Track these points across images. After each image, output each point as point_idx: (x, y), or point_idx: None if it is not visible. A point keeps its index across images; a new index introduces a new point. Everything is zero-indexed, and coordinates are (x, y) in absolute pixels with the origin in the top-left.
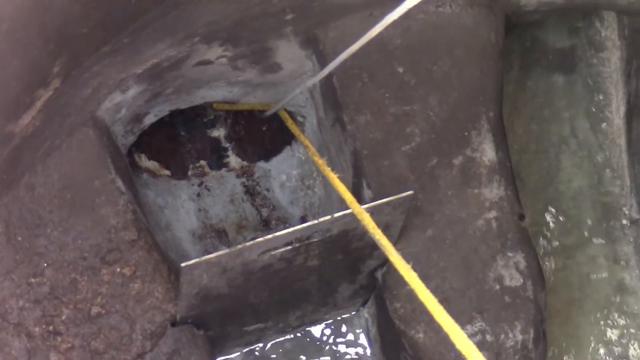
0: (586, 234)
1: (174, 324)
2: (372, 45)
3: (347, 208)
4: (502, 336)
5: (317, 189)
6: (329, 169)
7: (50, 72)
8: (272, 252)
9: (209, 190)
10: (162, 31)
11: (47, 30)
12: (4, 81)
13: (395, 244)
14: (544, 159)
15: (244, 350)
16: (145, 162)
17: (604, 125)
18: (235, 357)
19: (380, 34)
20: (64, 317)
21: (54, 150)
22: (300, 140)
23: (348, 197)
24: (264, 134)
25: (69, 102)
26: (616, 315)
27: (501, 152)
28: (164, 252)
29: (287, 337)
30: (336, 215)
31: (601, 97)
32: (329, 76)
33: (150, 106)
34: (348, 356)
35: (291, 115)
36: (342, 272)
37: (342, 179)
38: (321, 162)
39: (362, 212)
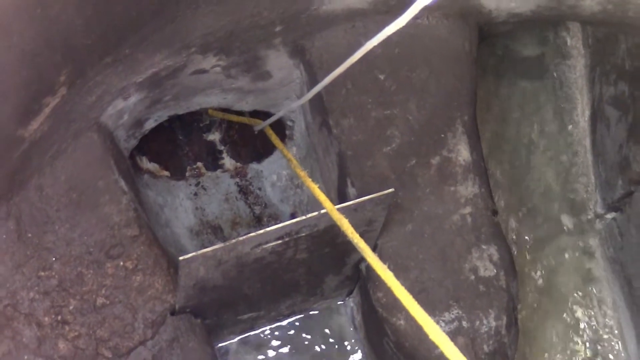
0: (555, 228)
1: (173, 313)
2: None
3: (333, 204)
4: (477, 322)
5: (305, 187)
6: (310, 179)
7: (57, 81)
8: (264, 246)
9: (205, 189)
10: (160, 43)
11: (53, 43)
12: (14, 89)
13: (377, 237)
14: (516, 159)
15: (239, 337)
16: (146, 163)
17: (570, 127)
18: (231, 343)
19: (362, 44)
20: (71, 308)
21: (61, 154)
22: (284, 154)
23: (328, 205)
24: (256, 137)
25: (74, 108)
26: (584, 302)
27: (475, 153)
28: (164, 247)
29: (279, 324)
30: (322, 211)
31: (568, 102)
32: (316, 84)
33: (150, 112)
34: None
35: (281, 120)
36: (329, 264)
37: (327, 178)
38: (303, 173)
39: (341, 218)
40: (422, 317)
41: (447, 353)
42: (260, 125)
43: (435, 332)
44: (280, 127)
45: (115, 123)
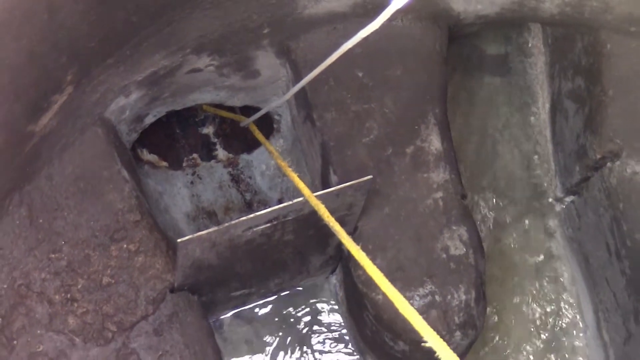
0: (519, 210)
1: (172, 290)
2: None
3: (317, 191)
4: (449, 297)
5: None
6: (290, 169)
7: (64, 80)
8: (254, 229)
9: (200, 178)
10: (158, 45)
11: (60, 45)
12: (24, 88)
13: (358, 220)
14: (483, 148)
15: (232, 312)
16: (146, 155)
17: (532, 119)
18: (225, 317)
19: (343, 45)
20: (79, 286)
21: (69, 146)
22: (266, 147)
23: (307, 192)
24: (246, 130)
25: (80, 105)
26: (545, 278)
27: (446, 143)
28: (163, 230)
29: (269, 300)
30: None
31: (529, 96)
32: (301, 81)
33: (149, 108)
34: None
35: (269, 114)
36: (314, 245)
37: (312, 167)
38: (284, 164)
39: (318, 204)
40: (393, 293)
41: (414, 324)
42: (245, 121)
43: (405, 306)
44: (268, 121)
45: (118, 118)
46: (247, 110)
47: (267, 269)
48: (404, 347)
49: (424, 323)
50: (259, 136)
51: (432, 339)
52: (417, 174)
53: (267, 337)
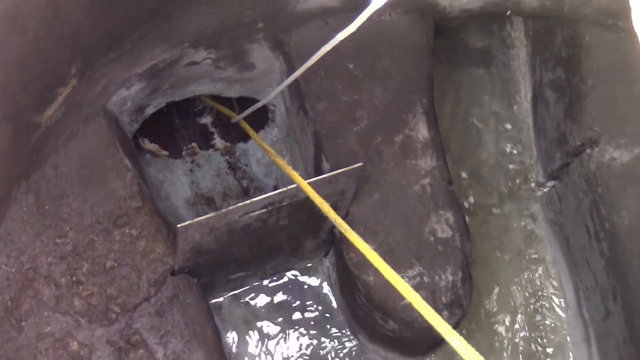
0: (503, 195)
1: (172, 273)
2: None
3: (309, 178)
4: (437, 278)
5: None
6: (284, 160)
7: (68, 73)
8: (251, 214)
9: (199, 166)
10: (158, 39)
11: (64, 40)
12: (30, 81)
13: (349, 206)
14: (468, 136)
15: (230, 294)
16: (147, 144)
17: (515, 107)
18: (223, 299)
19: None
20: (84, 270)
21: (73, 136)
22: (258, 142)
23: (300, 181)
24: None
25: (84, 97)
26: (527, 258)
27: (433, 131)
28: (164, 216)
29: (265, 282)
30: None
31: (512, 86)
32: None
33: (150, 99)
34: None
35: (264, 105)
36: (307, 229)
37: (305, 155)
38: (278, 158)
39: (313, 193)
40: (388, 272)
41: (412, 301)
42: (236, 117)
43: (401, 284)
44: (263, 111)
45: (120, 109)
46: (244, 101)
47: (263, 252)
48: (394, 326)
49: (420, 299)
50: (249, 131)
51: (426, 312)
52: (406, 161)
53: (264, 317)
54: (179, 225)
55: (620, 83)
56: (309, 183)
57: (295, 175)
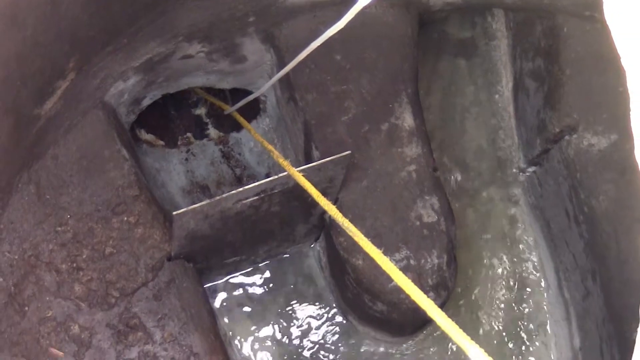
0: (485, 180)
1: (169, 259)
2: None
3: (300, 165)
4: (423, 260)
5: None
6: (277, 151)
7: (66, 67)
8: (244, 201)
9: (194, 155)
10: (153, 33)
11: (62, 35)
12: (30, 75)
13: (338, 192)
14: (452, 124)
15: (225, 278)
16: (144, 135)
17: (497, 96)
18: (218, 283)
19: (323, 32)
20: (84, 256)
21: (72, 128)
22: (252, 134)
23: (291, 170)
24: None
25: (82, 90)
26: (509, 241)
27: (418, 120)
28: (161, 204)
29: (258, 266)
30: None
31: (494, 75)
32: (284, 65)
33: (146, 91)
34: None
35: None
36: (298, 215)
37: (295, 143)
38: (270, 147)
39: (302, 179)
40: (376, 254)
41: (400, 283)
42: (229, 109)
43: (389, 266)
44: (255, 102)
45: (117, 101)
46: (236, 93)
47: (256, 237)
48: (382, 307)
49: (408, 280)
50: (242, 121)
51: (412, 291)
52: (392, 149)
53: (257, 300)
54: (174, 213)
55: (596, 72)
56: (299, 171)
57: (286, 164)
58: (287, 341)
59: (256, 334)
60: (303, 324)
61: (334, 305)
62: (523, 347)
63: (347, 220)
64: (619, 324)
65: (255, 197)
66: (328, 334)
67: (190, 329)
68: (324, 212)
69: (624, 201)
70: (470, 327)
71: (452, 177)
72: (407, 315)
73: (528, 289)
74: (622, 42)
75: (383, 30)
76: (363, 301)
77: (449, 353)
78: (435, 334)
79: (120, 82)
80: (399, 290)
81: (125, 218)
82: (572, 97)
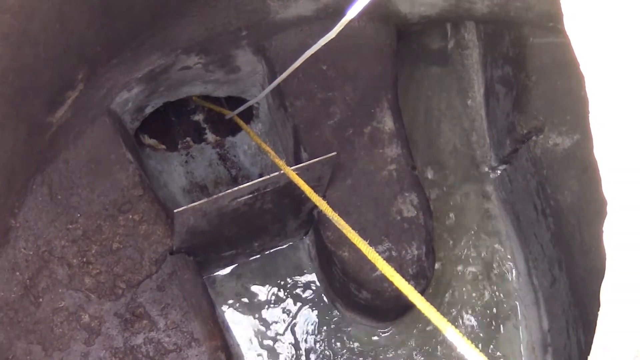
0: (460, 178)
1: (171, 253)
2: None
3: (290, 166)
4: (403, 252)
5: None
6: (273, 153)
7: (75, 78)
8: (239, 199)
9: (193, 158)
10: (154, 47)
11: (70, 50)
12: (42, 86)
13: (326, 190)
14: (429, 127)
15: (223, 270)
16: (147, 140)
17: (469, 101)
18: (217, 275)
19: (309, 44)
20: (93, 251)
21: (82, 134)
22: (250, 136)
23: (286, 169)
24: (230, 117)
25: (90, 99)
26: (483, 233)
27: (398, 123)
28: (163, 203)
29: (253, 258)
30: (282, 172)
31: (467, 82)
32: (275, 75)
33: (148, 100)
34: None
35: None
36: (289, 211)
37: (286, 146)
38: (264, 145)
39: (297, 179)
40: (362, 245)
41: (384, 271)
42: (230, 114)
43: (374, 256)
44: (248, 108)
45: (122, 109)
46: (231, 100)
47: (251, 232)
48: (366, 295)
49: (391, 269)
50: (243, 125)
51: (395, 279)
52: (374, 150)
53: (253, 290)
54: (175, 210)
55: (560, 78)
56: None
57: (282, 163)
58: (279, 327)
59: (252, 321)
60: (294, 311)
61: (323, 293)
62: (495, 330)
63: (336, 215)
64: (583, 308)
65: (249, 196)
66: (317, 320)
67: (191, 317)
68: (312, 208)
69: (587, 195)
70: (446, 311)
71: (430, 175)
72: (390, 302)
73: (500, 277)
74: (581, 50)
75: (365, 42)
76: (349, 290)
77: (428, 337)
78: (414, 321)
79: (124, 92)
80: (382, 279)
81: (131, 216)
82: (538, 101)
